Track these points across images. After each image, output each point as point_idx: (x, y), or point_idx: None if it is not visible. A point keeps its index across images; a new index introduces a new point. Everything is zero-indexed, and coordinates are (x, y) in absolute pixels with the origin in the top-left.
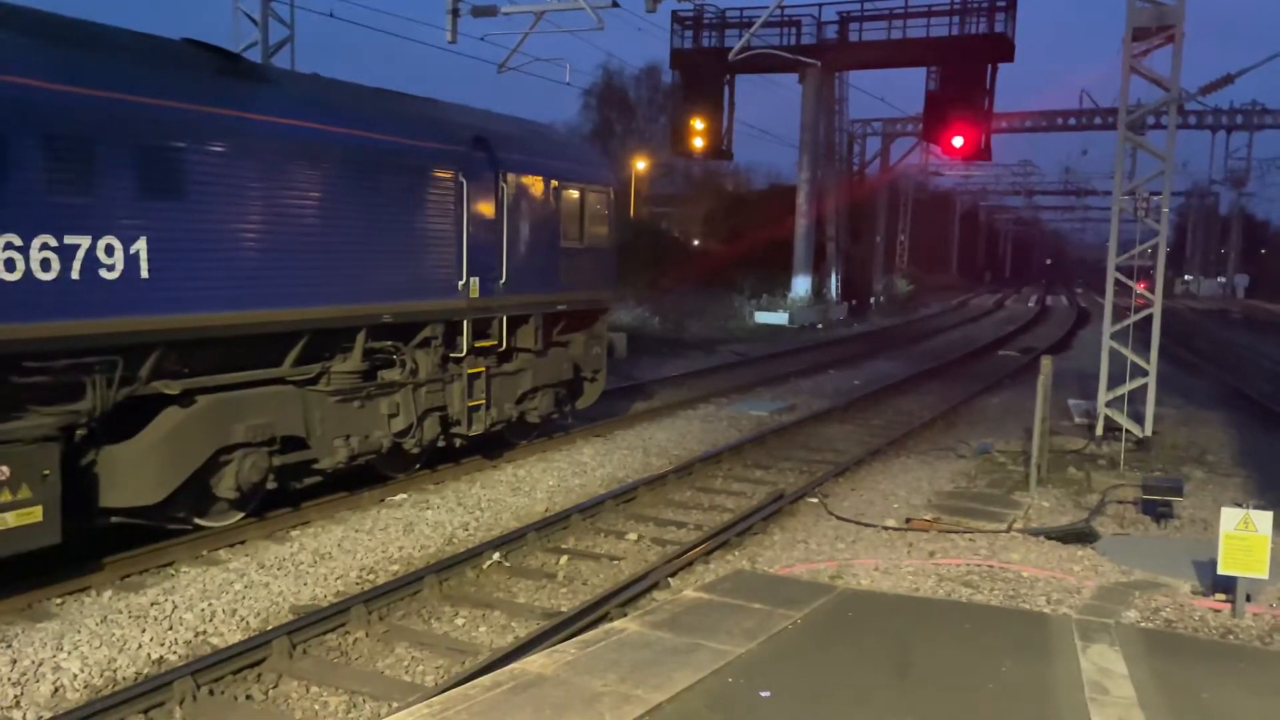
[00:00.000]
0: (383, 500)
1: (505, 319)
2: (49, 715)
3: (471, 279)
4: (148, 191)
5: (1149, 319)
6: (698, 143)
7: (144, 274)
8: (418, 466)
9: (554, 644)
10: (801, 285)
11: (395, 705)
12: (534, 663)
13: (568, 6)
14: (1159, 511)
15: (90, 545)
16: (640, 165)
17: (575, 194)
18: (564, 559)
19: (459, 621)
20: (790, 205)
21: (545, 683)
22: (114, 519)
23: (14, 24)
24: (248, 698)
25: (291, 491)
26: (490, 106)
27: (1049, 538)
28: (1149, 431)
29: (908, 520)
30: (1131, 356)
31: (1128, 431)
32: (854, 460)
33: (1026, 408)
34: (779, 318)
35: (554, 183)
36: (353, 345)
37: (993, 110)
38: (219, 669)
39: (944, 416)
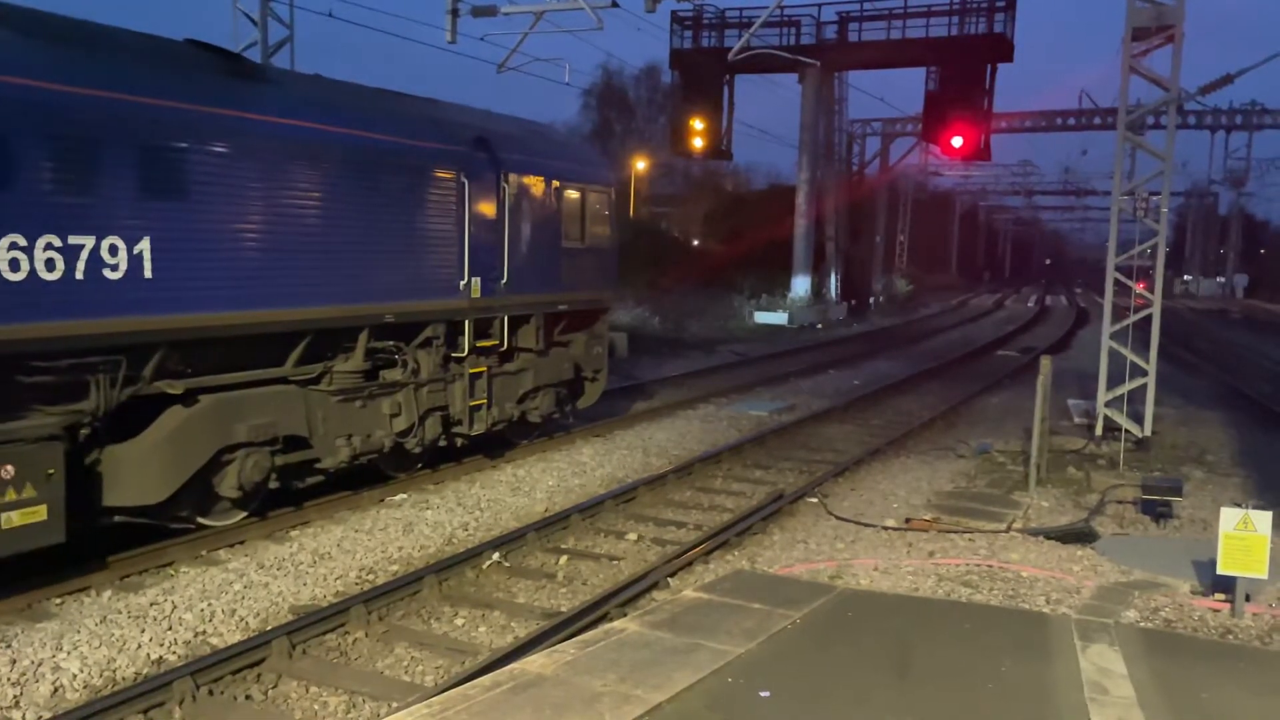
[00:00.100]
0: (382, 500)
1: (507, 319)
2: (49, 715)
3: (473, 279)
4: (151, 192)
5: (1148, 319)
6: (697, 143)
7: (147, 274)
8: (419, 466)
9: (554, 644)
10: (801, 285)
11: (395, 705)
12: (534, 663)
13: (567, 6)
14: (1158, 511)
15: (90, 545)
16: (640, 165)
17: (576, 194)
18: (564, 559)
19: (459, 621)
20: (790, 205)
21: (545, 683)
22: (117, 518)
23: (17, 24)
24: (247, 698)
25: (293, 491)
26: (490, 106)
27: (1048, 538)
28: (1148, 431)
29: (907, 520)
30: (1131, 356)
31: (1127, 431)
32: (854, 460)
33: (1026, 408)
34: (778, 318)
35: (555, 183)
36: (355, 345)
37: (992, 110)
38: (218, 669)
39: (943, 416)
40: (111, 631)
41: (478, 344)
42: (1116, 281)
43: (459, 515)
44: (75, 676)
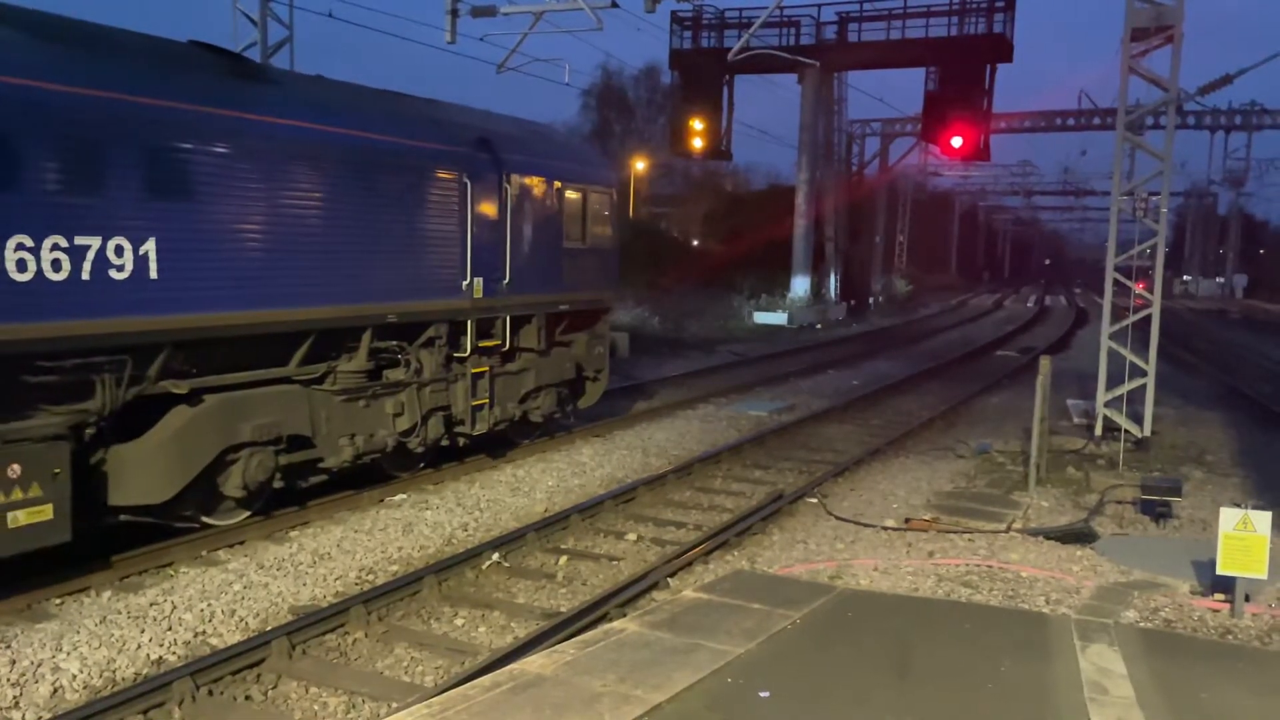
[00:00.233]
0: (382, 501)
1: (509, 319)
2: (48, 716)
3: (475, 279)
4: (156, 192)
5: (1148, 319)
6: (697, 143)
7: (153, 274)
8: (422, 465)
9: (553, 644)
10: (800, 285)
11: (395, 705)
12: (533, 663)
13: (567, 7)
14: (1158, 511)
15: (89, 546)
16: (639, 166)
17: (578, 195)
18: (563, 559)
19: (458, 622)
20: (789, 205)
21: (545, 683)
22: (122, 517)
23: (23, 26)
24: (247, 698)
25: (296, 490)
26: (489, 107)
27: (1048, 538)
28: (1148, 431)
29: (907, 520)
30: (1130, 357)
31: (1127, 431)
32: (853, 460)
33: (1025, 408)
34: (778, 318)
35: (557, 183)
36: (358, 345)
37: (991, 110)
38: (218, 669)
39: (943, 416)
40: (111, 632)
41: (480, 344)
42: (1116, 282)
43: (458, 515)
44: (75, 677)
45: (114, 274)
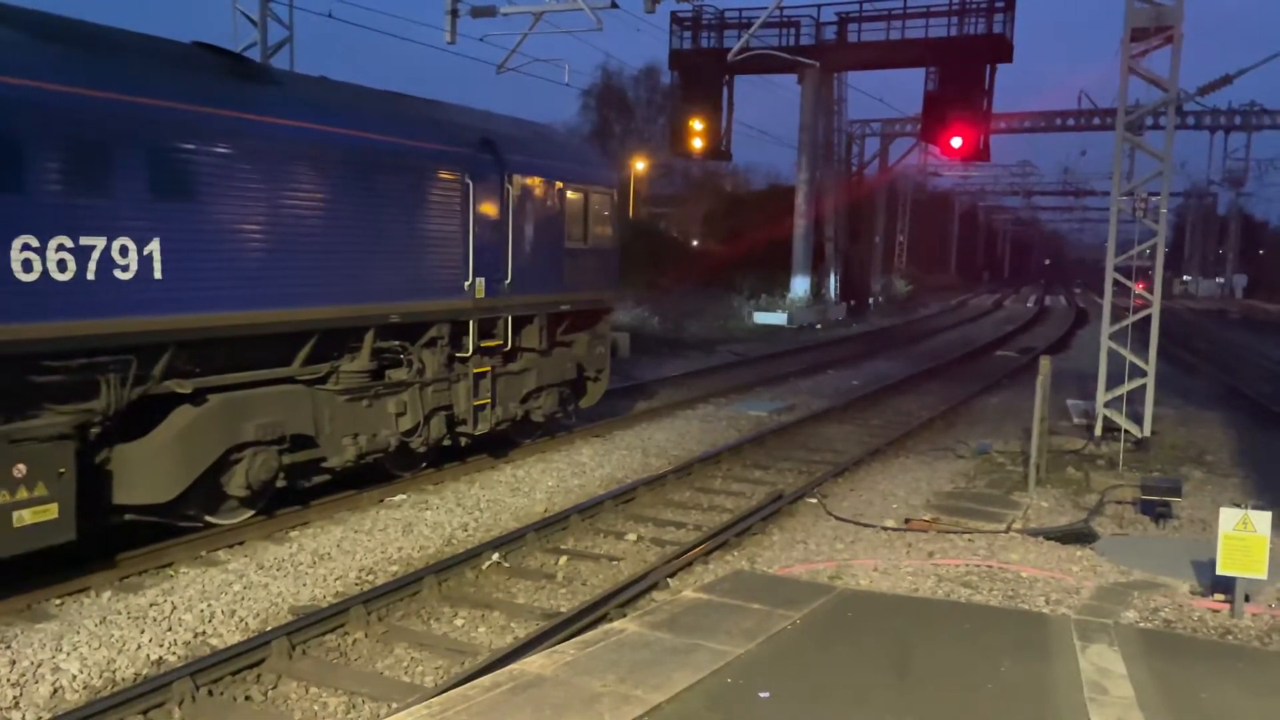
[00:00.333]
0: (382, 501)
1: (510, 319)
2: (48, 716)
3: (477, 279)
4: (160, 193)
5: (1148, 319)
6: (696, 143)
7: (157, 274)
8: (424, 465)
9: (553, 644)
10: (800, 285)
11: (394, 706)
12: (533, 663)
13: (567, 7)
14: (1158, 512)
15: (89, 546)
16: (639, 166)
17: (579, 195)
18: (563, 559)
19: (458, 622)
20: (789, 206)
21: (544, 683)
22: (127, 516)
23: (27, 27)
24: (247, 698)
25: (299, 490)
26: (489, 107)
27: (1048, 538)
28: (1148, 432)
29: (907, 520)
30: (1130, 357)
31: (1126, 432)
32: (853, 460)
33: (1025, 408)
34: (778, 318)
35: (558, 184)
36: (361, 345)
37: (991, 111)
38: (218, 670)
39: (943, 417)
40: (111, 632)
41: (482, 344)
42: (1116, 282)
43: (458, 516)
44: (75, 677)
45: (118, 274)
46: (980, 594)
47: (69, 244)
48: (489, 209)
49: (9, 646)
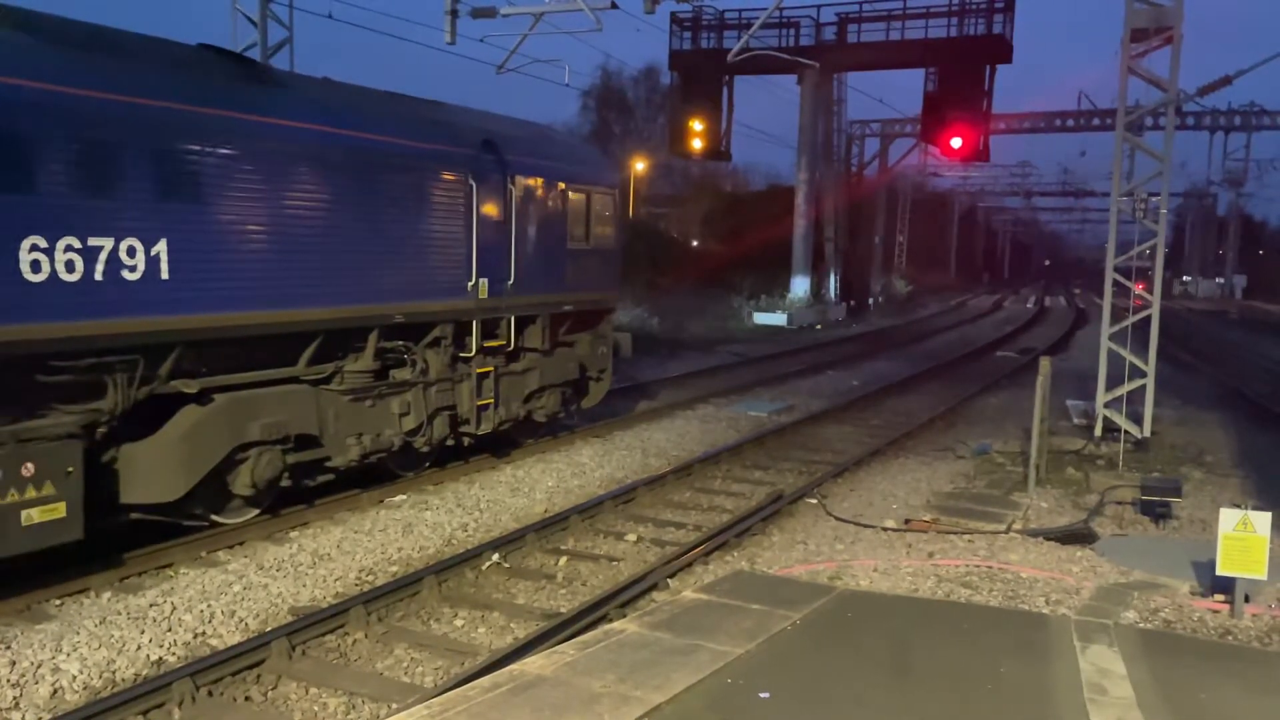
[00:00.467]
0: (382, 501)
1: (513, 319)
2: (48, 717)
3: (480, 280)
4: (167, 194)
5: (1147, 320)
6: (696, 144)
7: (164, 275)
8: (427, 465)
9: (553, 645)
10: (800, 286)
11: (394, 706)
12: (533, 664)
13: (566, 8)
14: (1157, 512)
15: (89, 546)
16: (639, 166)
17: (581, 196)
18: (563, 560)
19: (458, 623)
20: (789, 206)
21: (544, 684)
22: (134, 515)
23: (36, 30)
24: (247, 699)
25: (302, 489)
26: (488, 107)
27: (1048, 538)
28: (1147, 432)
29: (907, 521)
30: (1130, 357)
31: (1126, 432)
32: (853, 461)
33: (1025, 408)
34: (777, 318)
35: (560, 185)
36: (365, 345)
37: (991, 111)
38: (218, 670)
39: (943, 417)
40: (111, 633)
41: (485, 344)
42: (1115, 282)
43: (458, 516)
44: (75, 678)
45: (126, 274)
46: (980, 594)
47: (77, 245)
48: (492, 210)
49: (9, 647)
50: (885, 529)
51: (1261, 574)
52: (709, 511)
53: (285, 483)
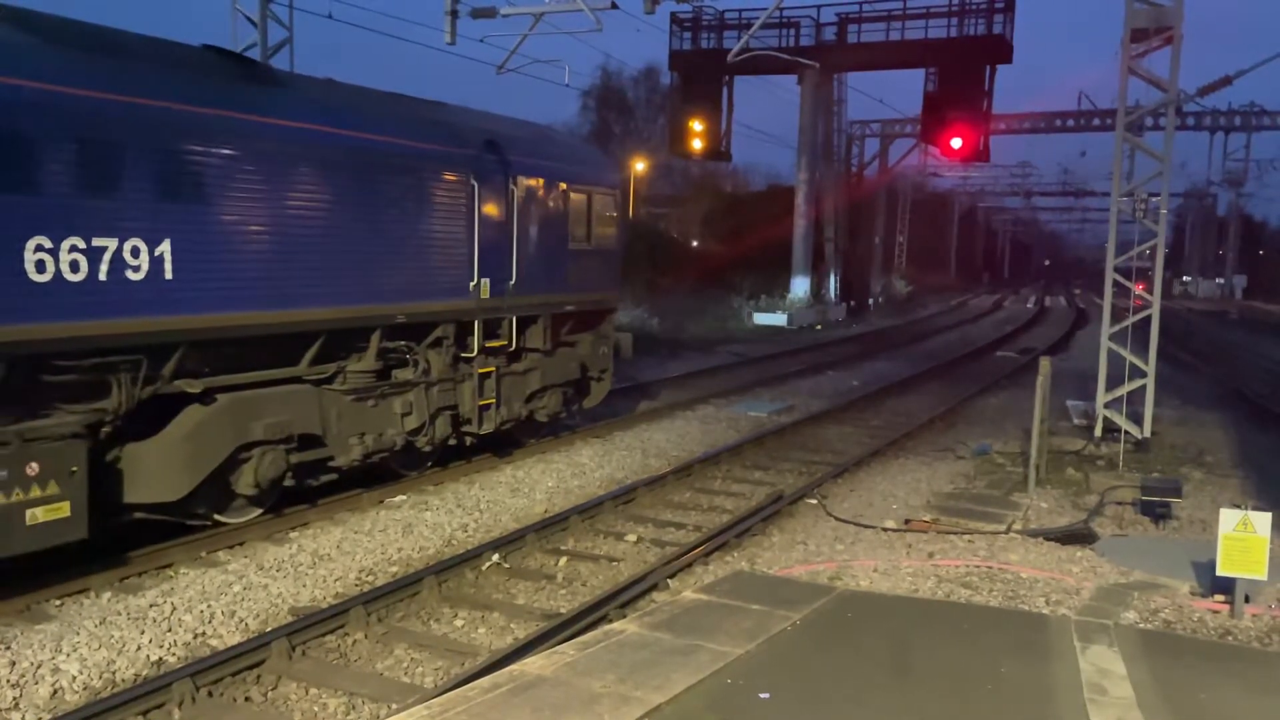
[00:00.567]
0: (382, 502)
1: (515, 319)
2: (48, 717)
3: (482, 280)
4: (171, 194)
5: (1147, 320)
6: (696, 144)
7: (168, 275)
8: (430, 464)
9: (553, 645)
10: (800, 286)
11: (394, 707)
12: (533, 664)
13: (566, 8)
14: (1158, 512)
15: (89, 547)
16: (639, 167)
17: (582, 196)
18: (563, 560)
19: (458, 623)
20: (789, 206)
21: (544, 684)
22: (138, 515)
23: (41, 31)
24: (247, 699)
25: (306, 489)
26: (488, 108)
27: (1048, 539)
28: (1148, 432)
29: (907, 521)
30: (1130, 357)
31: (1126, 432)
32: (853, 461)
33: (1025, 409)
34: (778, 319)
35: (562, 185)
36: (367, 345)
37: (991, 112)
38: (218, 671)
39: (943, 417)
40: (111, 633)
41: (487, 344)
42: (1115, 282)
43: (458, 516)
44: (75, 678)
45: (130, 275)
46: (980, 595)
47: (81, 245)
48: (494, 210)
49: (9, 647)
50: (885, 529)
51: (1261, 574)
52: (709, 512)
53: (289, 482)
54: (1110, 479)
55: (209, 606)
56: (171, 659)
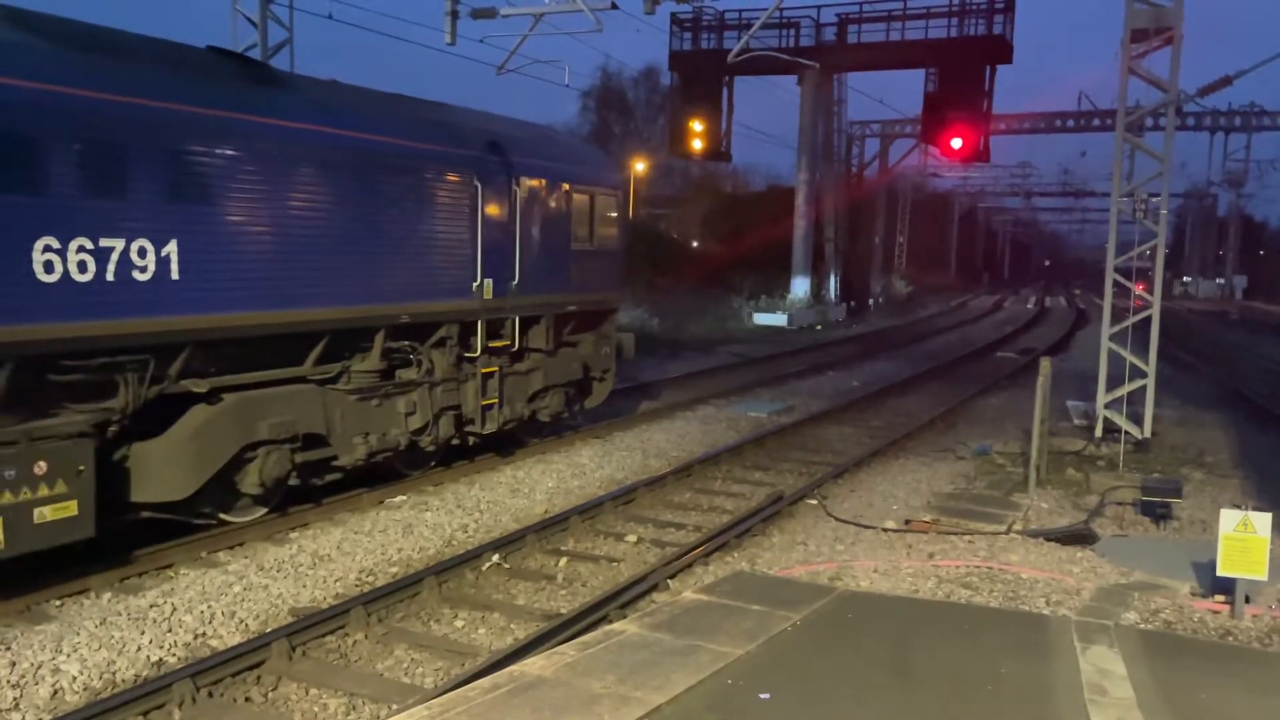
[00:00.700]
0: (382, 502)
1: (518, 319)
2: (48, 717)
3: (485, 280)
4: (177, 195)
5: (1148, 320)
6: (696, 144)
7: (175, 275)
8: (433, 464)
9: (553, 646)
10: (800, 286)
11: (394, 707)
12: (533, 664)
13: (566, 8)
14: (1158, 513)
15: (89, 547)
16: (639, 167)
17: (584, 196)
18: (563, 561)
19: (458, 623)
20: (789, 206)
21: (544, 684)
22: (144, 514)
23: (49, 33)
24: (247, 700)
25: (310, 488)
26: (488, 108)
27: (1048, 539)
28: (1148, 433)
29: (907, 522)
30: (1130, 358)
31: (1126, 433)
32: (853, 461)
33: (1025, 409)
34: (778, 319)
35: (564, 185)
36: (371, 345)
37: (991, 112)
38: (218, 671)
39: (943, 418)
40: (111, 634)
41: (490, 344)
42: (1116, 283)
43: (458, 517)
44: (75, 679)
45: (137, 275)
46: (980, 595)
47: (89, 245)
48: (497, 211)
49: (9, 648)
50: (885, 530)
51: (1262, 575)
52: (709, 512)
53: (293, 481)
54: (1110, 479)
55: (209, 607)
56: (172, 659)
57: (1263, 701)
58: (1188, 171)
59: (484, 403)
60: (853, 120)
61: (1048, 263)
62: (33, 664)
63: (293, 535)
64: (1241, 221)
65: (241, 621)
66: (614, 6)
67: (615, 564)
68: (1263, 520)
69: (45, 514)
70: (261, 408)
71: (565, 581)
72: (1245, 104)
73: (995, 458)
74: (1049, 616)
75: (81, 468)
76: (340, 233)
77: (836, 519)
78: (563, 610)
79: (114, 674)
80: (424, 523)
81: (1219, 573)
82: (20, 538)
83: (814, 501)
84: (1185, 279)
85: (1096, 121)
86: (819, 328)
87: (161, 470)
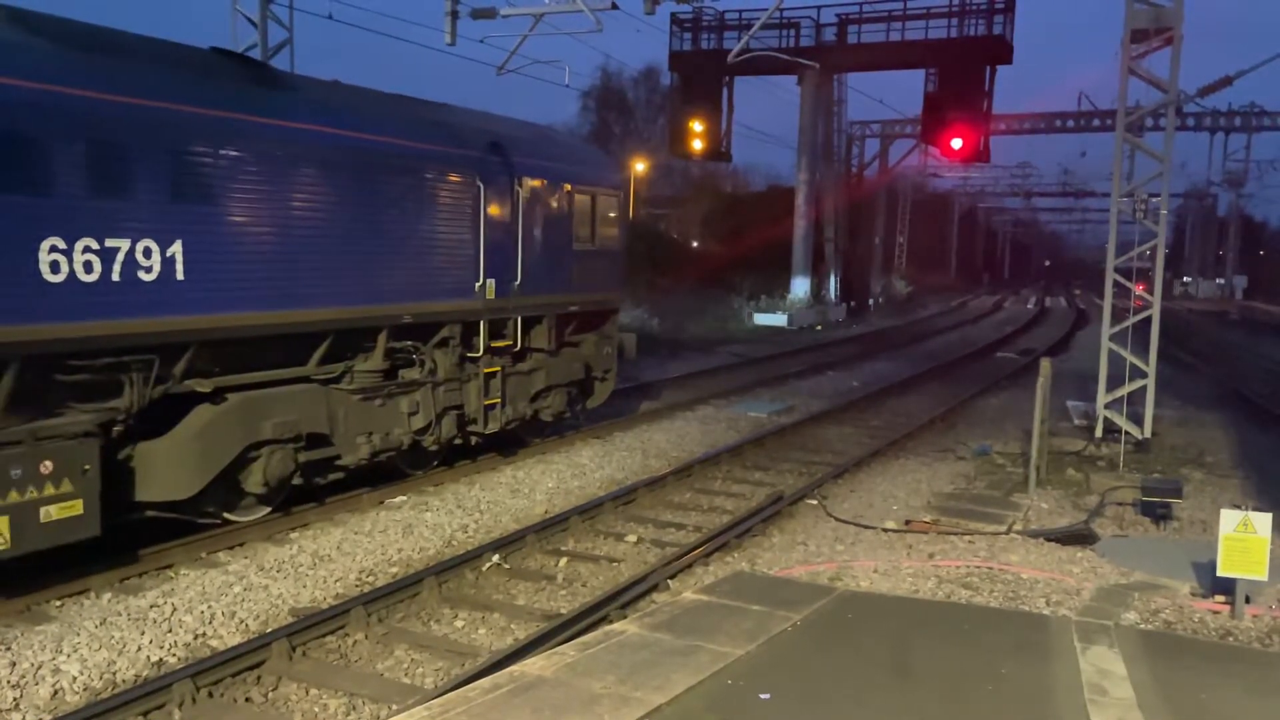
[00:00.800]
0: (382, 502)
1: (520, 319)
2: (49, 718)
3: (488, 280)
4: (182, 196)
5: (1148, 320)
6: (696, 144)
7: (179, 276)
8: (435, 463)
9: (553, 646)
10: (800, 286)
11: (394, 707)
12: (533, 665)
13: (566, 9)
14: (1158, 513)
15: (89, 546)
16: (640, 167)
17: (586, 197)
18: (563, 561)
19: (458, 624)
20: (789, 206)
21: (544, 685)
22: (148, 513)
23: (52, 34)
24: (247, 700)
25: (314, 487)
26: (488, 108)
27: (1048, 539)
28: (1148, 433)
29: (907, 522)
30: (1130, 358)
31: (1127, 433)
32: (853, 461)
33: (1025, 409)
34: (778, 319)
35: (566, 186)
36: (375, 345)
37: (991, 112)
38: (218, 671)
39: (943, 418)
40: (111, 634)
41: (492, 344)
42: (1116, 283)
43: (458, 517)
44: (75, 679)
45: (142, 275)
46: (980, 595)
47: (95, 246)
48: (499, 211)
49: (9, 648)
50: (885, 530)
51: (1262, 575)
52: (709, 512)
53: (297, 481)
54: (1111, 480)
55: (209, 607)
56: (172, 660)
57: (1263, 702)
58: (1188, 171)
59: (486, 402)
60: (853, 120)
61: (1048, 263)
62: (33, 664)
63: (293, 535)
64: (1241, 221)
65: (242, 622)
66: (614, 6)
67: (615, 564)
68: (1263, 520)
69: (51, 513)
70: (265, 407)
71: (565, 582)
72: (1245, 104)
73: (995, 458)
74: (1049, 617)
75: (87, 467)
76: (343, 233)
77: (836, 519)
78: (563, 610)
79: (114, 674)
80: (424, 523)
81: (1219, 573)
82: (26, 537)
83: (814, 501)
84: (1185, 279)
85: (1096, 122)
86: (819, 328)
87: (166, 470)
